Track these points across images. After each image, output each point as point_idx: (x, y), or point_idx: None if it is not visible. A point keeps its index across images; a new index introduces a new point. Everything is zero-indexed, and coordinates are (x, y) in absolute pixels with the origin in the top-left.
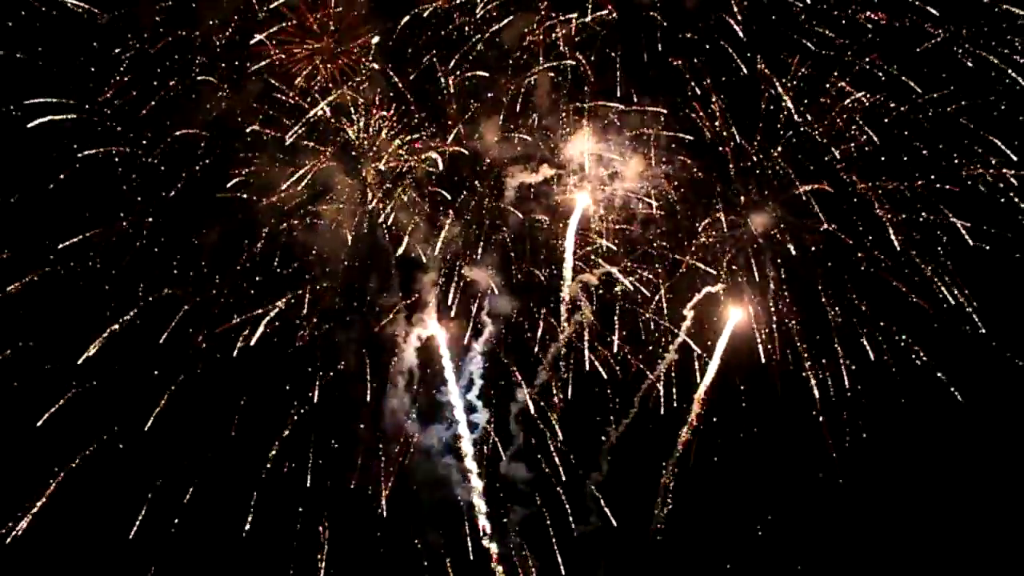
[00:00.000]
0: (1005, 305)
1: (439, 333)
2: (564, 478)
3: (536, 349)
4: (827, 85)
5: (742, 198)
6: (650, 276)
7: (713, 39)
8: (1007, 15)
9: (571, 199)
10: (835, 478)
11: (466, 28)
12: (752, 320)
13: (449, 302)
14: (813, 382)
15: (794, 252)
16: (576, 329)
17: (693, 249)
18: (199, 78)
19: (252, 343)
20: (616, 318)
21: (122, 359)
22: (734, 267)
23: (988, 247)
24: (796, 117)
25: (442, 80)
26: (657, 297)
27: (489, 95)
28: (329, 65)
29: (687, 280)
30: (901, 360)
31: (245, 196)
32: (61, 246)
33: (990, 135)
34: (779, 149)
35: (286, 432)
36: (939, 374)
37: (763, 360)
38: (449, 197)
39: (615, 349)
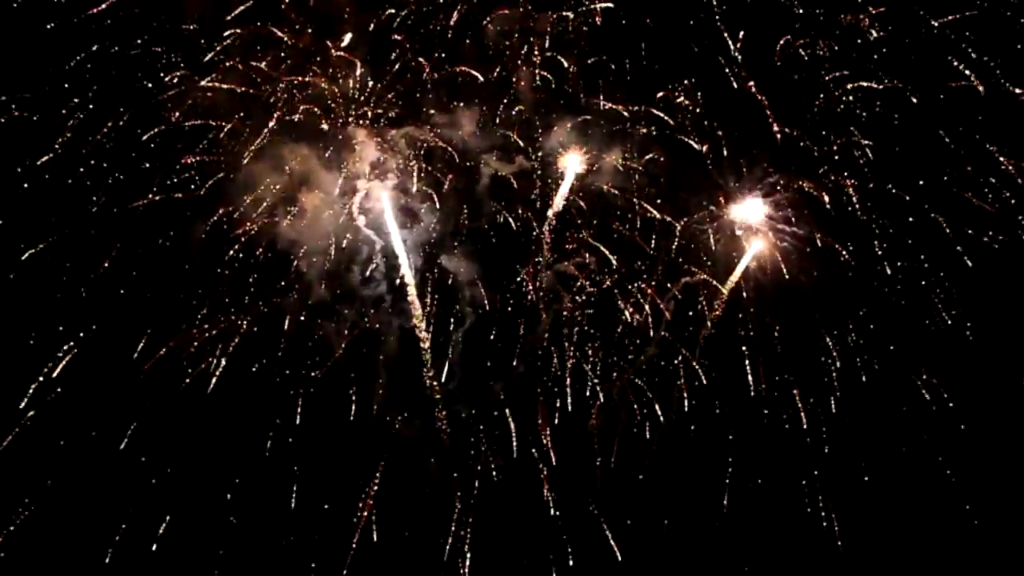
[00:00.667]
0: (1000, 312)
1: (420, 323)
2: (546, 471)
3: (520, 340)
4: (809, 79)
5: (722, 199)
6: (627, 271)
7: (697, 37)
8: (999, 15)
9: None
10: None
11: (448, 24)
12: (774, 251)
13: (429, 292)
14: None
15: (782, 263)
16: (553, 320)
17: (673, 244)
18: (178, 74)
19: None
20: (593, 312)
21: (95, 372)
22: (714, 263)
23: (976, 252)
24: (775, 122)
25: (421, 75)
26: (637, 292)
27: (469, 90)
28: (309, 59)
29: (667, 274)
30: (893, 372)
31: (224, 194)
32: (27, 254)
33: (980, 135)
34: (759, 149)
35: (270, 441)
36: (925, 376)
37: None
38: (428, 189)
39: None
